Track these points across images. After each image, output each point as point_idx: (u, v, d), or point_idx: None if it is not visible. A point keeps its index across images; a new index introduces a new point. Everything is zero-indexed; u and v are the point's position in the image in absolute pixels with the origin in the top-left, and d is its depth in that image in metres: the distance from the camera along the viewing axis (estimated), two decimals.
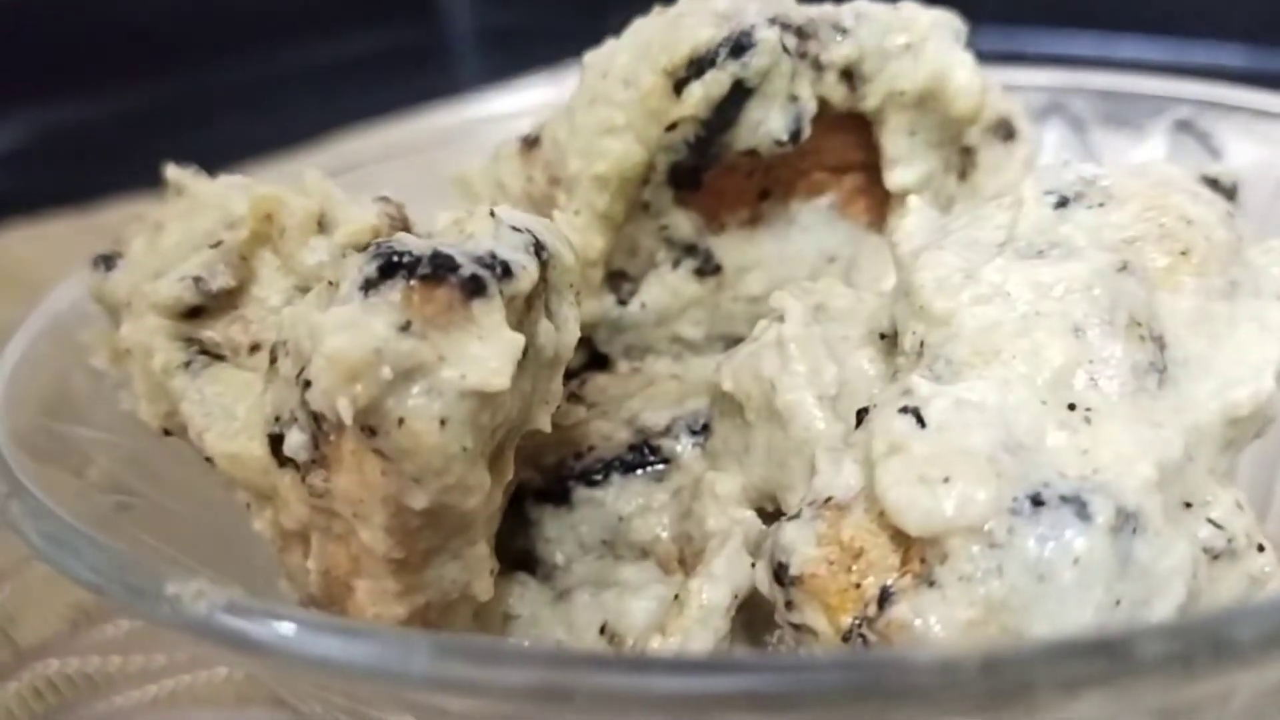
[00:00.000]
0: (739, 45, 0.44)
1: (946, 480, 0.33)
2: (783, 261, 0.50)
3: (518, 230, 0.37)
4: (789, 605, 0.35)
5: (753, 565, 0.39)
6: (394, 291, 0.33)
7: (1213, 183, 0.45)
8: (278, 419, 0.37)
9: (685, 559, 0.42)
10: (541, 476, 0.45)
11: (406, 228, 0.44)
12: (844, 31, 0.47)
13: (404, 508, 0.35)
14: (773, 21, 0.45)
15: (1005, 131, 0.51)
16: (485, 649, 0.31)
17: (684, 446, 0.45)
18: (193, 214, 0.43)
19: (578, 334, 0.39)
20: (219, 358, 0.41)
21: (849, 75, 0.47)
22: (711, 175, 0.47)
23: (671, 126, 0.45)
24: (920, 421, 0.34)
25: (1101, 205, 0.40)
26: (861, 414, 0.38)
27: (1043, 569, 0.32)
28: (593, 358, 0.50)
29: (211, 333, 0.42)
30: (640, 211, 0.47)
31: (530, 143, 0.50)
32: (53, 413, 0.43)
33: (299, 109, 1.30)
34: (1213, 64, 1.06)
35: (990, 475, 0.32)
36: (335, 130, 1.12)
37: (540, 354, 0.37)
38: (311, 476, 0.36)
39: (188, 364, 0.41)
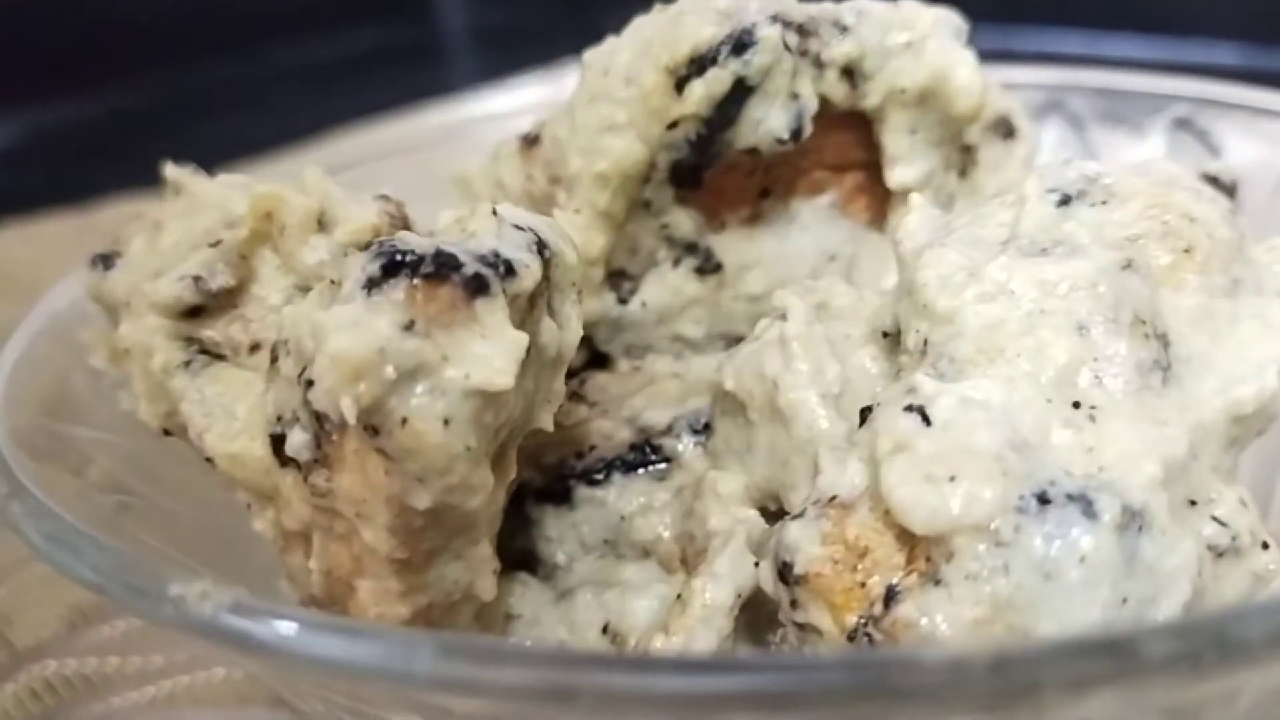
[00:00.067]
0: (740, 43, 0.44)
1: (952, 479, 0.32)
2: (783, 260, 0.49)
3: (520, 229, 0.37)
4: (793, 604, 0.35)
5: (756, 565, 0.39)
6: (397, 290, 0.33)
7: (1212, 181, 0.46)
8: (279, 419, 0.37)
9: (687, 558, 0.42)
10: (542, 476, 0.45)
11: (407, 226, 0.44)
12: (845, 29, 0.47)
13: (407, 507, 0.34)
14: (774, 19, 0.45)
15: (1005, 130, 0.51)
16: (489, 649, 0.31)
17: (685, 445, 0.45)
18: (192, 213, 0.43)
19: (580, 333, 0.39)
20: (219, 357, 0.41)
21: (850, 73, 0.47)
22: (712, 173, 0.47)
23: (673, 124, 0.45)
24: (925, 420, 0.34)
25: (1104, 203, 0.39)
26: (865, 413, 0.38)
27: (1049, 567, 0.32)
28: (593, 357, 0.50)
29: (211, 332, 0.41)
30: (641, 210, 0.47)
31: (530, 141, 0.49)
32: (52, 412, 0.43)
33: (292, 108, 1.30)
34: (1207, 62, 1.06)
35: (996, 473, 0.32)
36: (329, 129, 1.12)
37: (543, 353, 0.37)
38: (314, 476, 0.36)
39: (188, 363, 0.41)
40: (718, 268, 0.49)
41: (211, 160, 0.46)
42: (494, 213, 0.37)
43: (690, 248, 0.49)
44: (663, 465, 0.44)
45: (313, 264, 0.42)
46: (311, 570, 0.38)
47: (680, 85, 0.44)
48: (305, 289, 0.42)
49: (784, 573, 0.35)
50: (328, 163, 0.52)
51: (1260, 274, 0.40)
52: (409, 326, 0.33)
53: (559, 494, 0.44)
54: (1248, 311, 0.38)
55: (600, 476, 0.44)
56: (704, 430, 0.45)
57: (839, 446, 0.38)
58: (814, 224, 0.50)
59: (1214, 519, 0.35)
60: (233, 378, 0.40)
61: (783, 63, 0.45)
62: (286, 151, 1.04)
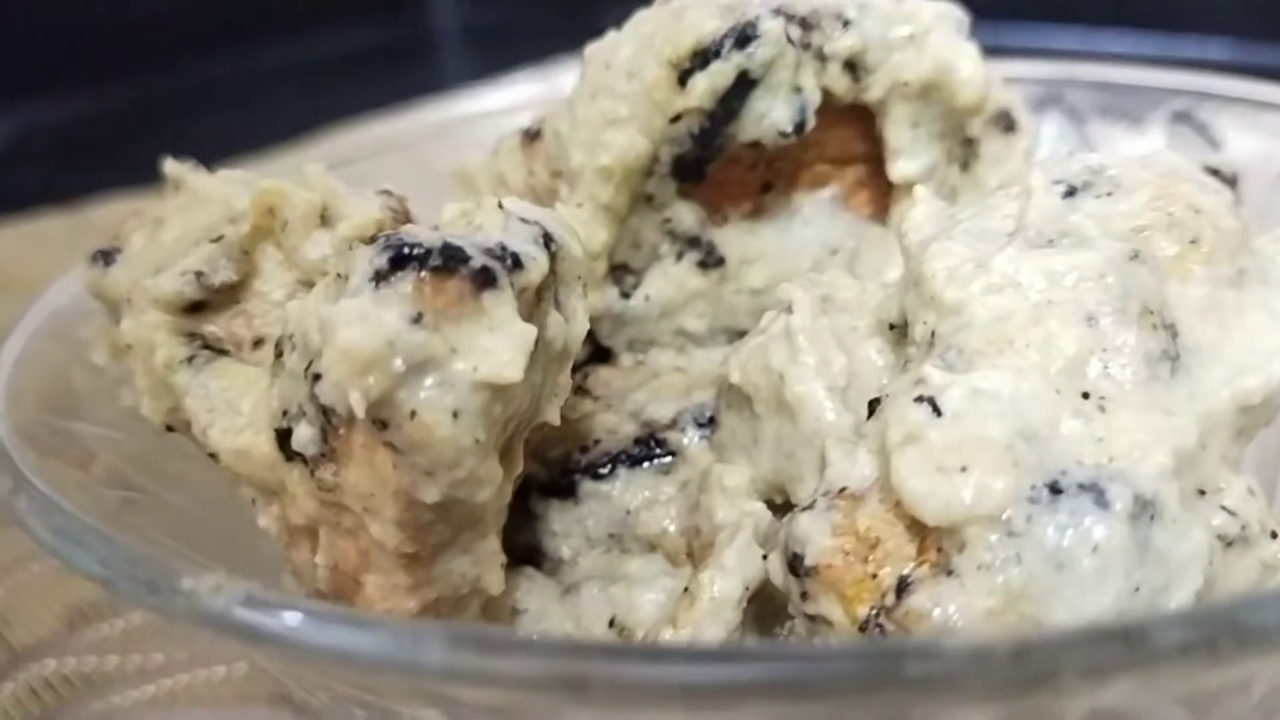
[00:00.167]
0: (744, 36, 0.44)
1: (964, 469, 0.32)
2: (785, 254, 0.49)
3: (526, 222, 0.37)
4: (804, 596, 0.35)
5: (764, 557, 0.39)
6: (405, 283, 0.33)
7: (1213, 173, 0.46)
8: (285, 413, 0.36)
9: (694, 552, 0.42)
10: (547, 470, 0.45)
11: (409, 221, 0.43)
12: (847, 23, 0.46)
13: (415, 501, 0.34)
14: (777, 12, 0.45)
15: (1006, 123, 0.51)
16: (500, 639, 0.31)
17: (690, 439, 0.45)
18: (193, 208, 0.43)
19: (587, 326, 0.39)
20: (222, 352, 0.41)
21: (852, 66, 0.47)
22: (714, 167, 0.47)
23: (675, 118, 0.45)
24: (936, 410, 0.34)
25: (1110, 194, 0.39)
26: (873, 404, 0.38)
27: (1062, 557, 0.31)
28: (595, 351, 0.50)
29: (214, 327, 0.41)
30: (643, 204, 0.47)
31: (531, 136, 0.49)
32: (53, 409, 0.43)
33: (286, 106, 1.30)
34: (1200, 58, 1.07)
35: (1008, 464, 0.32)
36: (322, 128, 1.11)
37: (550, 346, 0.37)
38: (320, 471, 0.35)
39: (190, 359, 0.40)
40: (720, 261, 0.49)
41: (205, 159, 0.46)
42: (500, 206, 0.37)
43: (693, 242, 0.49)
44: (668, 459, 0.44)
45: (315, 259, 0.41)
46: (317, 565, 0.37)
47: (683, 79, 0.44)
48: (308, 284, 0.42)
49: (794, 564, 0.35)
50: (321, 160, 0.52)
51: (1265, 265, 0.40)
52: (417, 319, 0.33)
53: (564, 488, 0.44)
54: (1254, 302, 0.38)
55: (605, 470, 0.44)
56: (709, 424, 0.45)
57: (846, 438, 0.38)
58: (816, 217, 0.50)
59: (1223, 508, 0.36)
60: (236, 373, 0.40)
61: (786, 56, 0.45)
62: (281, 149, 1.04)
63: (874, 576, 0.34)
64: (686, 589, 0.40)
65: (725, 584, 0.39)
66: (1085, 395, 0.35)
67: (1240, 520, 0.35)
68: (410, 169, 0.66)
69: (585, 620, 0.42)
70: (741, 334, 0.48)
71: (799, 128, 0.46)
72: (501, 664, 0.27)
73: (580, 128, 0.46)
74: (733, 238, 0.49)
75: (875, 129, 0.49)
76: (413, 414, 0.33)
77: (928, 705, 0.26)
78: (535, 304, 0.36)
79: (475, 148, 0.55)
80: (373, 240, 0.36)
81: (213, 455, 0.39)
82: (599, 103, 0.46)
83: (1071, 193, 0.40)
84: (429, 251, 0.34)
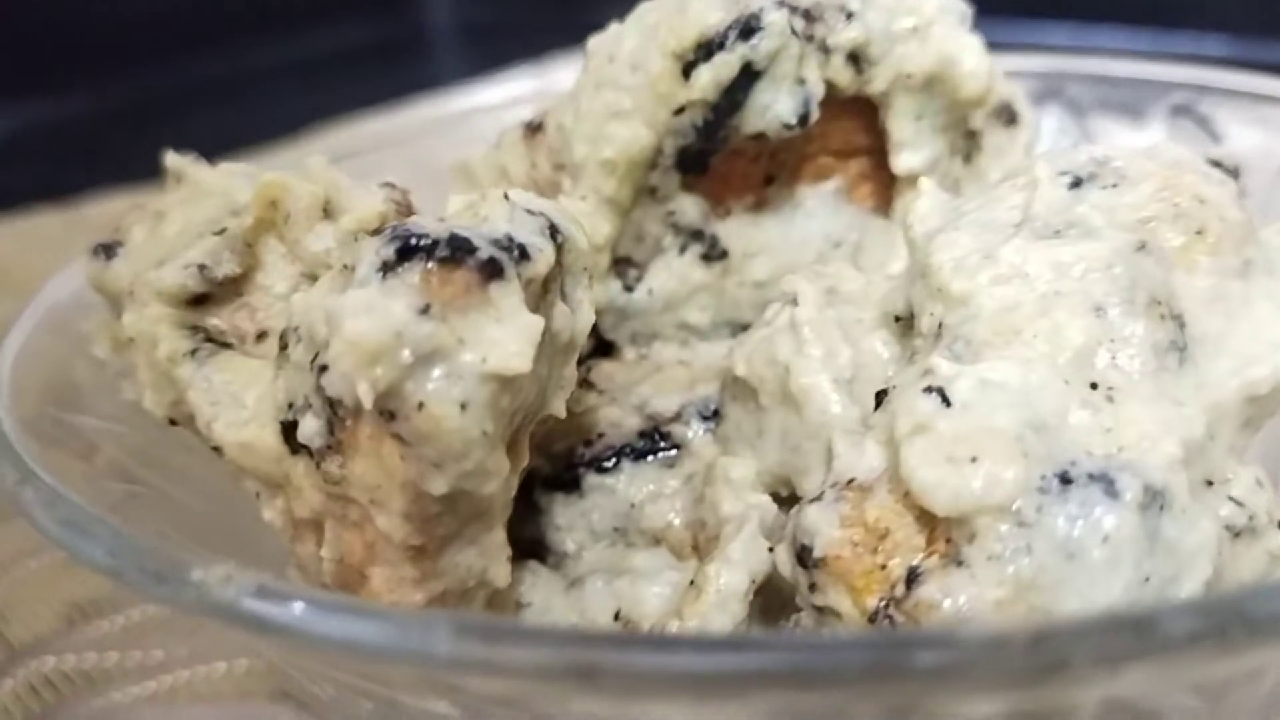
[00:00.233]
0: (748, 28, 0.44)
1: (974, 460, 0.32)
2: (788, 246, 0.49)
3: (532, 213, 0.37)
4: (812, 588, 0.35)
5: (769, 550, 0.39)
6: (412, 274, 0.33)
7: (1216, 165, 0.46)
8: (290, 406, 0.36)
9: (699, 545, 0.42)
10: (551, 464, 0.45)
11: (411, 214, 0.43)
12: (850, 15, 0.46)
13: (423, 493, 0.34)
14: (780, 4, 0.45)
15: (1008, 116, 0.51)
16: (510, 629, 0.31)
17: (695, 432, 0.44)
18: (194, 201, 0.43)
19: (593, 318, 0.39)
20: (225, 345, 0.41)
21: (856, 58, 0.47)
22: (718, 160, 0.47)
23: (679, 110, 0.45)
24: (945, 401, 0.34)
25: (1115, 186, 0.39)
26: (880, 395, 0.38)
27: (1072, 547, 0.31)
28: (598, 345, 0.50)
29: (217, 320, 0.41)
30: (647, 196, 0.47)
31: (534, 129, 0.49)
32: (56, 403, 0.42)
33: (279, 103, 1.29)
34: (1196, 54, 1.07)
35: (1018, 454, 0.32)
36: (316, 125, 1.11)
37: (556, 338, 0.37)
38: (327, 463, 0.35)
39: (194, 352, 0.40)
40: (724, 254, 0.49)
41: (201, 155, 0.46)
42: (506, 197, 0.37)
43: (696, 234, 0.49)
44: (672, 452, 0.44)
45: (318, 251, 0.41)
46: (323, 559, 0.37)
47: (687, 71, 0.44)
48: (311, 277, 0.41)
49: (802, 556, 0.35)
50: (320, 154, 0.52)
51: (1270, 256, 0.40)
52: (425, 310, 0.33)
53: (568, 482, 0.44)
54: (1260, 292, 0.38)
55: (610, 464, 0.44)
56: (713, 417, 0.45)
57: (853, 430, 0.38)
58: (819, 210, 0.50)
59: (1231, 499, 0.35)
60: (240, 366, 0.40)
61: (790, 47, 0.45)
62: (276, 147, 1.04)
63: (883, 567, 0.34)
64: (692, 582, 0.40)
65: (731, 576, 0.39)
66: (1093, 386, 0.35)
67: (1248, 511, 0.35)
68: (407, 165, 0.66)
69: (590, 614, 0.42)
70: (744, 327, 0.48)
71: (803, 120, 0.46)
72: (510, 653, 0.27)
73: (583, 120, 0.46)
74: (736, 230, 0.49)
75: (878, 121, 0.49)
76: (420, 405, 0.33)
77: (942, 695, 0.26)
78: (542, 295, 0.36)
79: (470, 143, 0.55)
80: (378, 232, 0.36)
81: (216, 449, 0.39)
82: (602, 95, 0.45)
83: (1077, 184, 0.40)
84: (436, 242, 0.33)
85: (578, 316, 0.38)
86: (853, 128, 0.49)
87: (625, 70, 0.45)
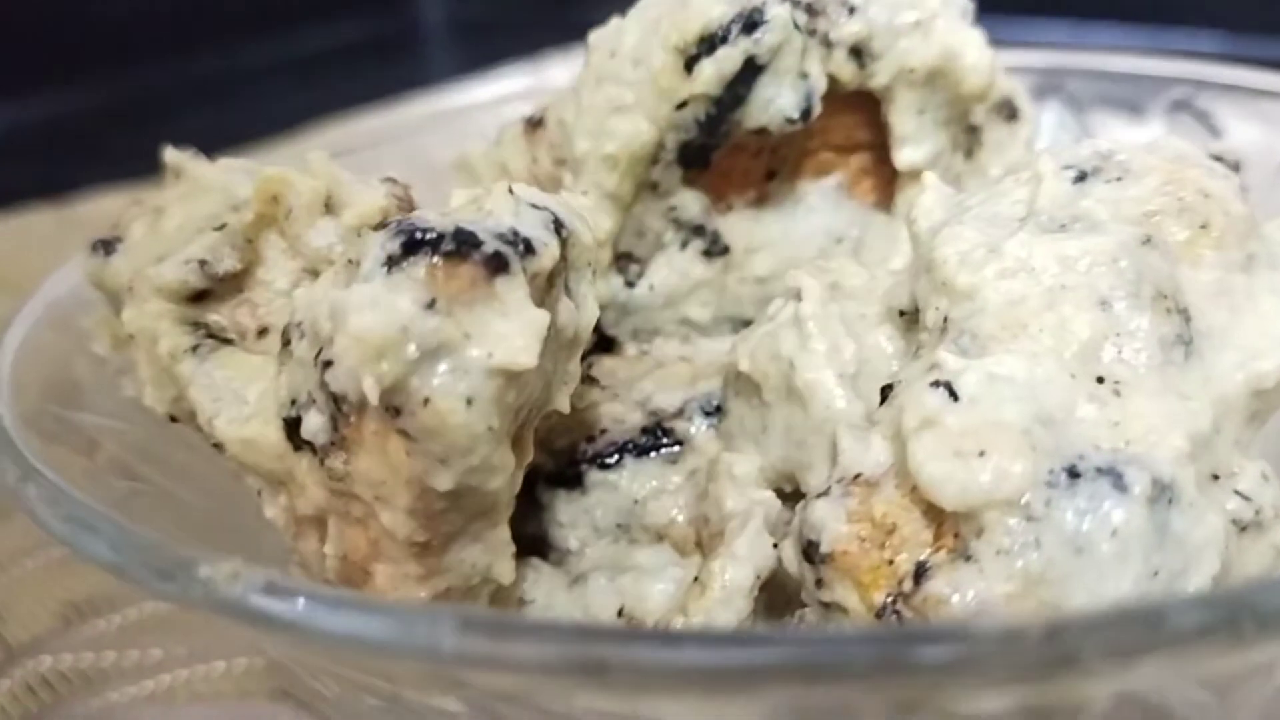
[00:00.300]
0: (751, 22, 0.44)
1: (982, 454, 0.32)
2: (790, 242, 0.49)
3: (537, 208, 0.36)
4: (819, 583, 0.35)
5: (774, 546, 0.39)
6: (418, 268, 0.33)
7: (1216, 160, 0.45)
8: (294, 402, 0.36)
9: (702, 541, 0.42)
10: (553, 460, 0.44)
11: (413, 209, 0.43)
12: (853, 9, 0.46)
13: (428, 489, 0.34)
14: None
15: (1008, 111, 0.51)
16: (518, 624, 0.31)
17: (698, 428, 0.44)
18: (194, 197, 0.43)
19: (597, 313, 0.38)
20: (226, 341, 0.40)
21: (858, 52, 0.47)
22: (719, 154, 0.47)
23: (682, 105, 0.45)
24: (953, 395, 0.34)
25: (1119, 180, 0.39)
26: (886, 390, 0.37)
27: (1081, 541, 0.31)
28: (599, 341, 0.49)
29: (217, 316, 0.41)
30: (648, 192, 0.47)
31: (534, 124, 0.49)
32: (56, 399, 0.42)
33: (272, 101, 1.29)
34: (1191, 51, 1.07)
35: (1026, 448, 0.32)
36: (309, 122, 1.11)
37: (561, 333, 0.37)
38: (330, 459, 0.35)
39: (195, 348, 0.40)
40: (725, 250, 0.49)
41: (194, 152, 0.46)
42: (510, 191, 0.36)
43: (697, 230, 0.48)
44: (675, 448, 0.44)
45: (320, 247, 0.41)
46: (326, 556, 0.37)
47: (689, 65, 0.44)
48: (312, 272, 0.41)
49: (809, 552, 0.35)
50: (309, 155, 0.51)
51: (1273, 250, 0.40)
52: (430, 305, 0.32)
53: (570, 478, 0.44)
54: (1264, 286, 0.38)
55: (612, 460, 0.44)
56: (715, 412, 0.44)
57: (858, 425, 0.38)
58: (820, 205, 0.50)
59: (1237, 493, 0.35)
60: (242, 362, 0.40)
61: (793, 41, 0.45)
62: (268, 144, 1.03)
63: (890, 563, 0.34)
64: (697, 578, 0.40)
65: (736, 572, 0.39)
66: (1100, 380, 0.35)
67: (1254, 505, 0.35)
68: (403, 161, 0.66)
69: (594, 610, 0.42)
70: (746, 323, 0.48)
71: (805, 114, 0.46)
72: (516, 648, 0.27)
73: (585, 115, 0.46)
74: (737, 226, 0.49)
75: (879, 116, 0.49)
76: (426, 401, 0.32)
77: (954, 690, 0.26)
78: (546, 290, 0.36)
79: (467, 140, 0.55)
80: (381, 227, 0.36)
81: (217, 446, 0.39)
82: (604, 89, 0.45)
83: (1081, 178, 0.40)
84: (441, 236, 0.33)
85: (582, 311, 0.38)
86: (854, 123, 0.49)
87: (627, 65, 0.45)
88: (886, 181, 0.50)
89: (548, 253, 0.35)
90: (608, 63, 0.46)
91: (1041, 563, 0.31)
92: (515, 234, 0.35)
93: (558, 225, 0.36)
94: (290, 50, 1.52)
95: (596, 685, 0.28)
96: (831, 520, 0.35)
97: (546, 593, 0.42)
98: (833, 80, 0.47)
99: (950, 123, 0.48)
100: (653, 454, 0.44)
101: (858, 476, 0.35)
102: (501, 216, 0.35)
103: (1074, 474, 0.32)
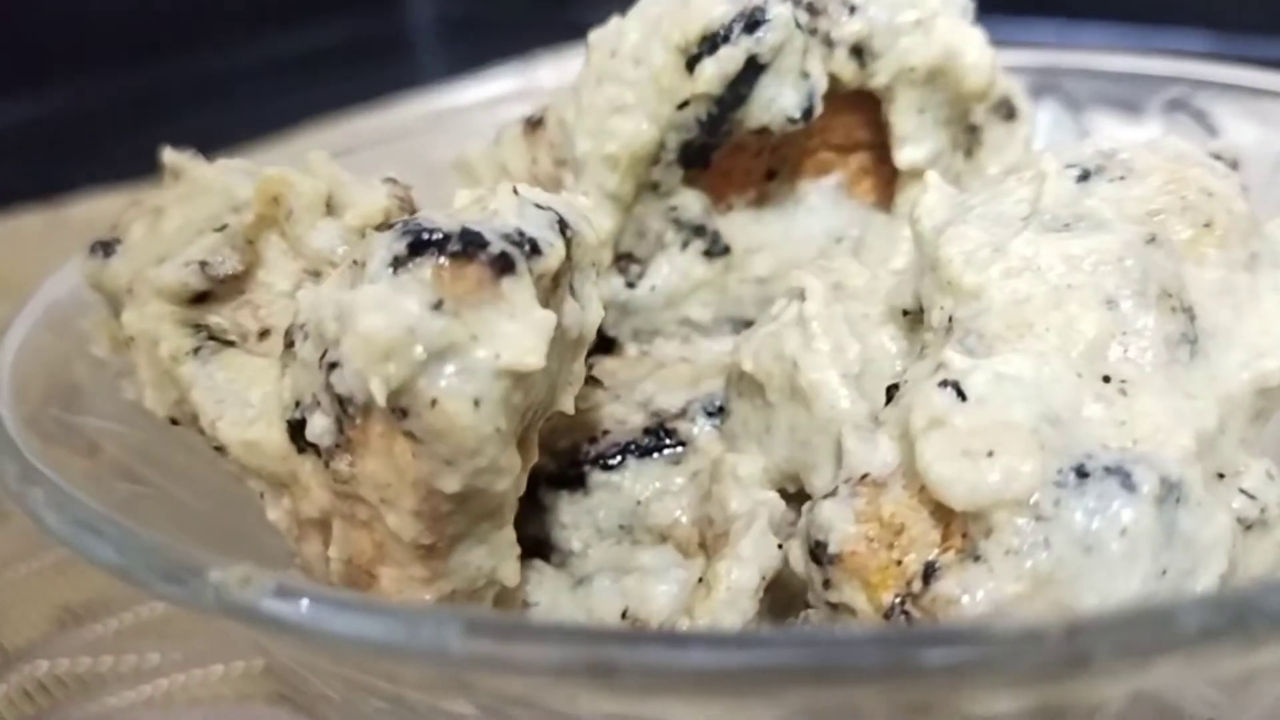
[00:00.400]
0: (753, 21, 0.44)
1: (991, 453, 0.32)
2: (790, 242, 0.49)
3: (541, 208, 0.36)
4: (826, 584, 0.35)
5: (779, 546, 0.39)
6: (424, 269, 0.33)
7: (1215, 159, 0.46)
8: (298, 404, 0.36)
9: (706, 542, 0.42)
10: (555, 462, 0.44)
11: (414, 209, 0.43)
12: (853, 9, 0.46)
13: (435, 491, 0.34)
14: None
15: (1007, 111, 0.51)
16: (523, 626, 0.31)
17: (700, 429, 0.44)
18: (193, 198, 0.42)
19: (601, 313, 0.38)
20: (228, 343, 0.40)
21: (859, 52, 0.47)
22: (720, 154, 0.47)
23: (683, 104, 0.45)
24: (961, 395, 0.33)
25: (1122, 179, 0.39)
26: (891, 390, 0.37)
27: (1090, 540, 0.31)
28: (600, 341, 0.49)
29: (218, 318, 0.41)
30: (649, 192, 0.47)
31: (534, 124, 0.49)
32: (56, 402, 0.42)
33: (262, 102, 1.28)
34: (1180, 50, 1.07)
35: (1034, 447, 0.32)
36: (299, 123, 1.10)
37: (566, 334, 0.37)
38: (336, 462, 0.35)
39: (196, 350, 0.40)
40: (725, 250, 0.49)
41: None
42: (515, 191, 0.36)
43: (698, 230, 0.48)
44: (678, 449, 0.44)
45: (321, 248, 0.41)
46: (330, 559, 0.37)
47: (691, 64, 0.44)
48: (314, 273, 0.41)
49: (817, 552, 0.35)
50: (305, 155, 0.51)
51: (1276, 249, 0.40)
52: (437, 306, 0.32)
53: (573, 480, 0.44)
54: (1267, 285, 0.38)
55: (615, 461, 0.44)
56: (718, 413, 0.44)
57: (863, 425, 0.38)
58: (821, 205, 0.50)
59: (1242, 491, 0.35)
60: (244, 364, 0.39)
61: (794, 40, 0.44)
62: (258, 145, 1.03)
63: (899, 563, 0.34)
64: (702, 579, 0.40)
65: (742, 573, 0.38)
66: (1106, 379, 0.35)
67: (1260, 503, 0.35)
68: (398, 162, 0.65)
69: (597, 612, 0.41)
70: (746, 323, 0.48)
71: (807, 114, 0.46)
72: (523, 650, 0.27)
73: (586, 114, 0.46)
74: (738, 226, 0.49)
75: (879, 115, 0.49)
76: (433, 402, 0.32)
77: (971, 691, 0.26)
78: (552, 291, 0.36)
79: (460, 140, 0.54)
80: (384, 227, 0.36)
81: (219, 448, 0.39)
82: (605, 89, 0.45)
83: (1085, 177, 0.40)
84: (448, 237, 0.33)
85: (587, 312, 0.38)
86: (854, 122, 0.49)
87: (628, 64, 0.45)
88: (886, 181, 0.50)
89: (553, 253, 0.35)
90: (608, 62, 0.45)
91: (1051, 562, 0.31)
92: (521, 234, 0.35)
93: (562, 226, 0.36)
94: (277, 50, 1.51)
95: (604, 687, 0.28)
96: (839, 520, 0.35)
97: (550, 595, 0.42)
98: (833, 80, 0.47)
99: (950, 122, 0.48)
100: (655, 455, 0.44)
101: (865, 477, 0.35)
102: (506, 217, 0.35)
103: (1082, 473, 0.32)
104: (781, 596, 0.40)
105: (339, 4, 1.68)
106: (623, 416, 0.45)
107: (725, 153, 0.47)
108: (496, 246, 0.33)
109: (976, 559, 0.32)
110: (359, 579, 0.37)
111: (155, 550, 0.30)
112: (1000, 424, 0.33)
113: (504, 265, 0.33)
